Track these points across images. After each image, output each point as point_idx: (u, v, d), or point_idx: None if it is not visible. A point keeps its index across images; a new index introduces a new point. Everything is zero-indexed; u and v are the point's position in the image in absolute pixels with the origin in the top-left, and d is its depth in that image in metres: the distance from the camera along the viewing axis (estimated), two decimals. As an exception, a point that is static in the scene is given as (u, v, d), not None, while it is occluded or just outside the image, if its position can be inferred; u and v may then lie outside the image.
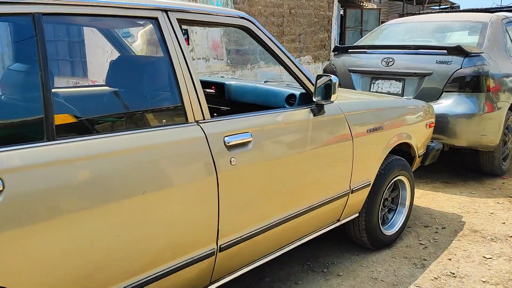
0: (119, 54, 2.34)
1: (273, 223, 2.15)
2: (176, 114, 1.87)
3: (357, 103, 2.83)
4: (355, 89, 4.71)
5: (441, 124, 4.02)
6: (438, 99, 4.18)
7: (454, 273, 2.73)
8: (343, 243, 3.07)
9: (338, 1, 11.81)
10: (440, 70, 4.18)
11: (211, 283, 2.00)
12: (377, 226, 2.93)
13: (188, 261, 1.79)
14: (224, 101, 2.90)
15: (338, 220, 2.70)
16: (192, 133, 1.81)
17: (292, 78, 2.39)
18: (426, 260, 2.89)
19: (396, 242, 3.13)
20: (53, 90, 1.80)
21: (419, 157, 3.33)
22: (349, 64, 4.87)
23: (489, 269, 2.78)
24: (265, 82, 2.96)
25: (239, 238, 1.99)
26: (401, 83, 4.43)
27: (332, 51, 5.46)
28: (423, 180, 4.52)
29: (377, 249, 3.01)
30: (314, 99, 2.32)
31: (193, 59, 6.70)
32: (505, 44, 4.56)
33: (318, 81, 2.29)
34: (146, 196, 1.60)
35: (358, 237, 2.95)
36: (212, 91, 2.95)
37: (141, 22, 2.05)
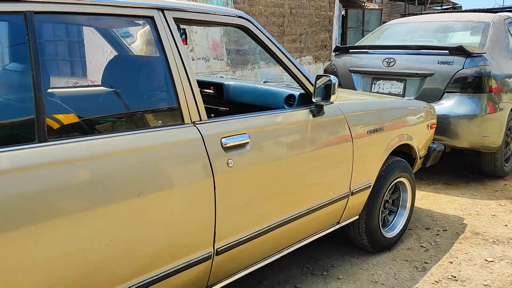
0: (115, 54, 2.31)
1: (271, 226, 2.11)
2: (172, 114, 1.84)
3: (357, 104, 2.79)
4: (356, 90, 4.67)
5: (443, 125, 3.98)
6: (439, 99, 4.15)
7: (455, 277, 2.70)
8: (343, 246, 3.04)
9: (339, 1, 11.77)
10: (442, 71, 4.14)
11: (208, 287, 1.97)
12: (378, 229, 2.89)
13: (184, 264, 1.76)
14: (222, 101, 2.87)
15: (338, 223, 2.66)
16: (188, 134, 1.77)
17: (292, 79, 2.36)
18: (427, 263, 2.86)
19: (396, 244, 3.09)
20: (47, 90, 1.78)
21: (420, 158, 3.29)
22: (350, 64, 4.83)
23: (491, 273, 2.74)
24: (264, 82, 2.93)
25: (237, 241, 1.95)
26: (402, 84, 4.40)
27: (333, 51, 5.43)
28: (424, 182, 4.48)
29: (378, 252, 2.97)
30: (313, 100, 2.28)
31: (193, 59, 6.68)
32: (508, 44, 4.52)
33: (317, 82, 2.25)
34: (140, 199, 1.57)
35: (358, 239, 2.91)
36: (211, 91, 2.92)
37: (137, 22, 2.01)
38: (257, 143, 2.00)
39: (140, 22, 2.02)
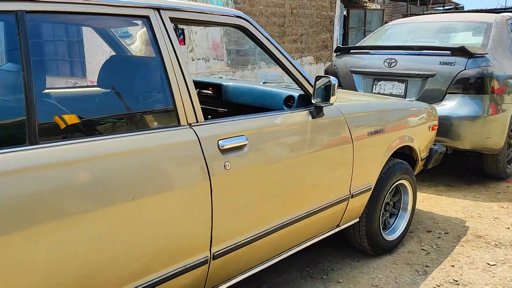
0: (112, 55, 2.27)
1: (270, 230, 2.08)
2: (168, 116, 1.81)
3: (357, 105, 2.75)
4: (357, 90, 4.64)
5: (445, 127, 3.94)
6: (441, 100, 4.11)
7: (457, 281, 2.66)
8: (343, 249, 3.00)
9: (341, 2, 11.73)
10: (444, 71, 4.10)
11: (205, 291, 1.93)
12: (378, 231, 2.85)
13: (180, 269, 1.72)
14: (221, 102, 2.83)
15: (338, 226, 2.63)
16: (185, 137, 1.74)
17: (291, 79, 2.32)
18: (428, 266, 2.82)
19: (397, 247, 3.05)
20: (42, 91, 1.75)
21: (421, 160, 3.25)
22: (351, 65, 4.80)
23: (493, 277, 2.70)
24: (264, 83, 2.89)
25: (234, 245, 1.92)
26: (404, 85, 4.36)
27: (334, 52, 5.39)
28: (426, 183, 4.44)
29: (378, 255, 2.93)
30: (313, 101, 2.25)
31: (193, 60, 6.65)
32: (510, 45, 4.48)
33: (317, 83, 2.22)
34: (135, 203, 1.53)
35: (358, 242, 2.87)
36: (210, 92, 2.89)
37: (134, 22, 1.98)
38: (255, 145, 1.96)
39: (138, 22, 1.99)
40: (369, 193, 2.71)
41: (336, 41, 10.63)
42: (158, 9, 1.77)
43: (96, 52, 5.12)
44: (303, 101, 2.36)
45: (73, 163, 1.41)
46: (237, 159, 1.87)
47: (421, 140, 3.17)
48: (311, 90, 2.27)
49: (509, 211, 3.72)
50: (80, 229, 1.41)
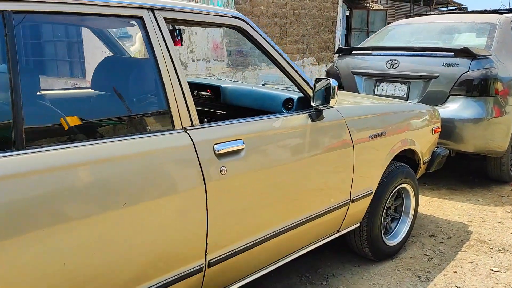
0: (106, 56, 2.22)
1: (267, 236, 2.02)
2: (162, 120, 1.75)
3: (358, 108, 2.70)
4: (359, 92, 4.58)
5: (448, 129, 3.89)
6: (444, 103, 4.05)
7: (460, 287, 2.60)
8: (344, 254, 2.94)
9: (343, 2, 11.67)
10: (447, 73, 4.04)
11: (200, 299, 1.88)
12: (379, 236, 2.80)
13: (174, 277, 1.67)
14: (219, 104, 2.78)
15: (338, 231, 2.57)
16: (179, 141, 1.69)
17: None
18: (430, 272, 2.76)
19: (399, 253, 2.99)
20: (31, 93, 1.70)
21: (424, 163, 3.19)
22: (352, 66, 4.74)
23: (497, 283, 2.64)
24: (263, 85, 2.84)
25: (230, 253, 1.87)
26: (406, 86, 4.30)
27: (336, 53, 5.33)
28: (428, 187, 4.38)
29: (379, 260, 2.88)
30: (312, 104, 2.19)
31: (193, 60, 6.59)
32: (515, 46, 4.41)
33: (316, 85, 2.16)
34: (126, 210, 1.48)
35: (359, 247, 2.81)
36: (208, 94, 2.84)
37: (129, 22, 1.93)
38: (252, 149, 1.91)
39: (132, 22, 1.94)
40: (370, 197, 2.65)
41: (338, 42, 10.56)
42: (152, 9, 1.72)
43: (96, 53, 5.08)
44: (303, 104, 2.30)
45: (61, 169, 1.36)
46: (233, 164, 1.82)
47: (424, 143, 3.11)
48: (310, 92, 2.22)
49: (513, 215, 3.66)
50: (68, 238, 1.35)
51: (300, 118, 2.19)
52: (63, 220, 1.34)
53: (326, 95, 2.15)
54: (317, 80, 2.17)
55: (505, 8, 6.18)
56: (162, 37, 1.72)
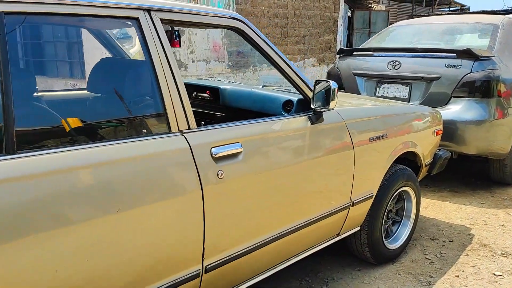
0: (102, 58, 2.19)
1: (266, 240, 1.99)
2: (158, 123, 1.72)
3: (359, 110, 2.66)
4: (360, 93, 4.54)
5: (450, 131, 3.85)
6: (446, 104, 4.01)
7: (462, 292, 2.56)
8: (344, 257, 2.91)
9: (345, 3, 11.63)
10: (449, 74, 4.00)
11: (197, 305, 1.85)
12: (380, 240, 2.76)
13: (170, 284, 1.64)
14: (218, 106, 2.75)
15: (338, 235, 2.53)
16: (175, 144, 1.66)
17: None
18: (432, 276, 2.72)
19: (400, 256, 2.96)
20: (24, 96, 1.66)
21: (425, 166, 3.16)
22: (354, 67, 4.70)
23: (500, 288, 2.61)
24: (263, 86, 2.80)
25: (228, 258, 1.83)
26: (408, 88, 4.26)
27: (337, 54, 5.30)
28: (430, 189, 4.34)
29: (380, 264, 2.84)
30: (312, 106, 2.16)
31: (193, 61, 6.56)
32: (517, 47, 4.37)
33: (316, 87, 2.13)
34: (121, 214, 1.45)
35: (359, 251, 2.78)
36: (207, 95, 2.81)
37: (125, 23, 1.89)
38: (251, 152, 1.88)
39: (128, 23, 1.91)
40: (371, 200, 2.61)
41: (340, 42, 10.52)
42: (148, 10, 1.69)
43: (95, 53, 5.05)
44: (302, 106, 2.27)
45: (53, 174, 1.33)
46: (231, 167, 1.79)
47: (425, 145, 3.07)
48: (310, 94, 2.18)
49: (516, 218, 3.62)
50: (60, 244, 1.32)
51: (300, 121, 2.16)
52: (55, 226, 1.31)
53: (326, 97, 2.12)
54: (317, 82, 2.14)
55: (507, 9, 6.13)
56: (158, 39, 1.69)
